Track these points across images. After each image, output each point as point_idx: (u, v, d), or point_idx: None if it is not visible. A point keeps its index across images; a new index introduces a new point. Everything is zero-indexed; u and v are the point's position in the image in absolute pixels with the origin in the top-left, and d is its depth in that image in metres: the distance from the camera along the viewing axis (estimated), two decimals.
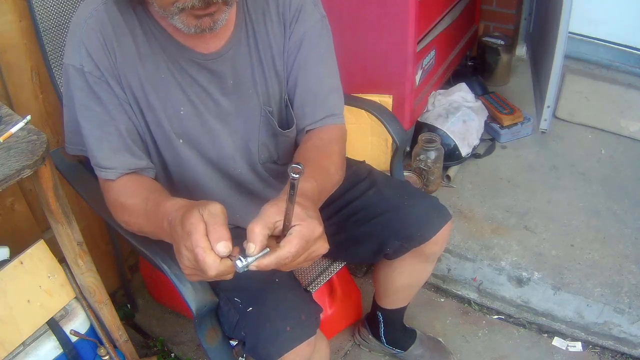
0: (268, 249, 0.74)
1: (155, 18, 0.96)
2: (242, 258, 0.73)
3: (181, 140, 1.03)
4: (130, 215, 0.95)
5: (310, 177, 0.88)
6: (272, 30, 1.04)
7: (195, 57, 0.99)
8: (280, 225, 0.75)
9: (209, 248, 0.72)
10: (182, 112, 1.01)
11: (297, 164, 0.65)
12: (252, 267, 0.74)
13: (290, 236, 0.75)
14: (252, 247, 0.73)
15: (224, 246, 0.72)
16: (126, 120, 0.98)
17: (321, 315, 1.06)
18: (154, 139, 1.03)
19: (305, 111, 1.08)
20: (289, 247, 0.74)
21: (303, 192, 0.82)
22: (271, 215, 0.75)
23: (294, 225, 0.75)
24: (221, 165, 1.09)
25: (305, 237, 0.75)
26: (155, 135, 1.02)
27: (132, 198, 0.95)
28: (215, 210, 0.75)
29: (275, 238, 0.76)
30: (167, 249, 0.93)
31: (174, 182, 1.09)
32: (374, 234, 1.19)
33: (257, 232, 0.73)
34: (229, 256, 0.74)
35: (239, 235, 0.79)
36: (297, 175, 0.65)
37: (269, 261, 0.74)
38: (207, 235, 0.73)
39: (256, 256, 0.73)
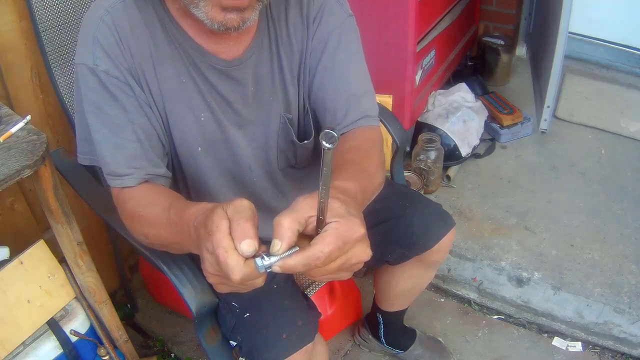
0: (297, 248, 0.62)
1: (176, 18, 0.90)
2: (264, 256, 0.62)
3: (200, 148, 0.98)
4: (151, 226, 0.85)
5: (351, 177, 0.78)
6: (295, 34, 0.98)
7: (216, 64, 0.93)
8: (314, 222, 0.64)
9: (231, 248, 0.61)
10: (202, 119, 0.96)
11: (331, 129, 0.53)
12: (276, 269, 0.62)
13: (325, 233, 0.62)
14: (278, 244, 0.61)
15: (247, 245, 0.61)
16: (146, 123, 0.90)
17: (321, 316, 1.06)
18: (173, 145, 0.98)
19: (337, 115, 0.99)
20: (321, 246, 0.61)
21: (345, 190, 0.72)
22: (304, 208, 0.64)
23: (330, 222, 0.63)
24: (236, 174, 1.05)
25: (342, 237, 0.62)
26: (173, 141, 0.97)
27: (152, 207, 0.85)
28: (241, 206, 0.64)
29: (309, 239, 0.64)
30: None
31: (187, 190, 1.06)
32: (375, 241, 1.15)
33: (285, 226, 0.61)
34: (256, 257, 0.62)
35: None
36: (331, 145, 0.53)
37: (295, 261, 0.61)
38: (230, 234, 0.62)
39: (281, 255, 0.61)
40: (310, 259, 0.61)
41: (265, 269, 0.62)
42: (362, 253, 0.66)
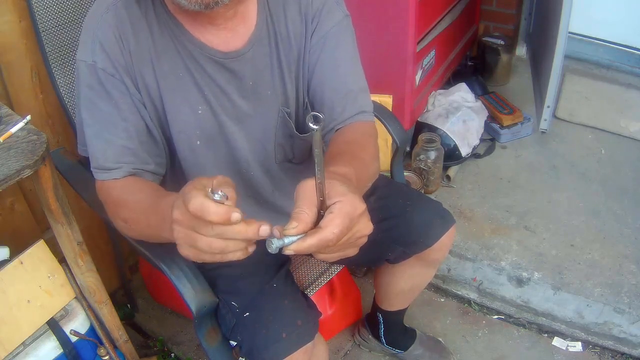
0: (303, 234, 0.64)
1: (173, 12, 0.92)
2: (277, 237, 0.64)
3: (199, 142, 1.00)
4: (132, 211, 0.89)
5: (347, 164, 0.81)
6: (294, 30, 1.01)
7: (214, 55, 0.95)
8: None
9: (200, 189, 0.62)
10: (200, 112, 0.98)
11: (317, 113, 0.58)
12: (288, 251, 0.64)
13: (332, 214, 0.64)
14: (295, 224, 0.63)
15: (219, 193, 0.62)
16: (137, 120, 0.93)
17: (321, 316, 1.06)
18: (170, 140, 0.99)
19: (335, 111, 1.02)
20: (331, 228, 0.64)
21: (342, 173, 0.75)
22: (310, 191, 0.66)
23: (334, 203, 0.65)
24: (235, 167, 1.07)
25: (348, 215, 0.65)
26: (171, 136, 0.99)
27: (136, 195, 0.89)
28: (223, 178, 0.67)
29: None
30: (167, 250, 0.93)
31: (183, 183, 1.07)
32: (376, 240, 1.15)
33: (307, 211, 0.64)
34: (270, 237, 0.64)
35: None
36: (317, 126, 0.57)
37: (310, 243, 0.63)
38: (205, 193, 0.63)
39: (293, 239, 0.63)
40: (323, 240, 0.64)
41: (279, 248, 0.64)
42: (365, 227, 0.69)
